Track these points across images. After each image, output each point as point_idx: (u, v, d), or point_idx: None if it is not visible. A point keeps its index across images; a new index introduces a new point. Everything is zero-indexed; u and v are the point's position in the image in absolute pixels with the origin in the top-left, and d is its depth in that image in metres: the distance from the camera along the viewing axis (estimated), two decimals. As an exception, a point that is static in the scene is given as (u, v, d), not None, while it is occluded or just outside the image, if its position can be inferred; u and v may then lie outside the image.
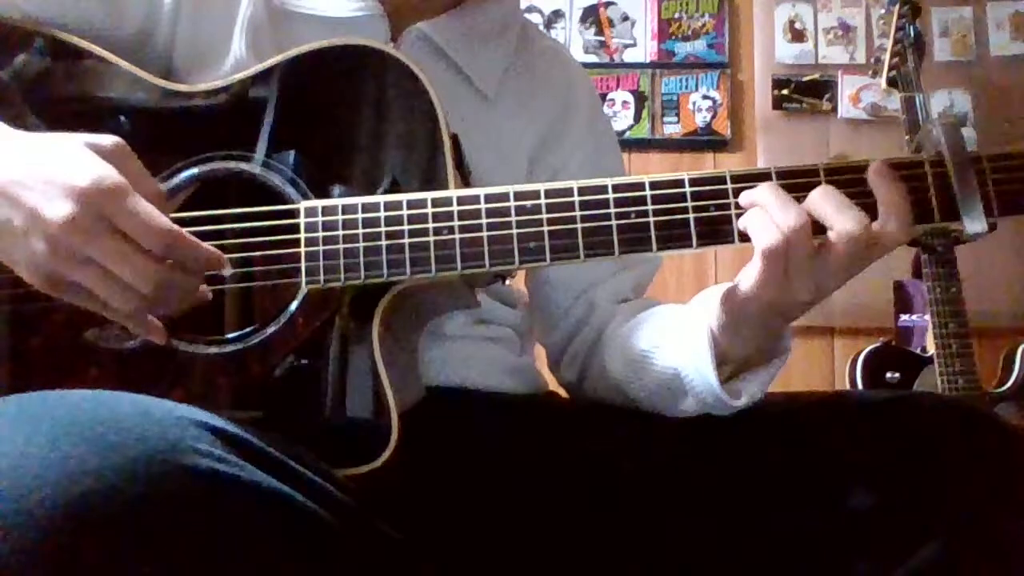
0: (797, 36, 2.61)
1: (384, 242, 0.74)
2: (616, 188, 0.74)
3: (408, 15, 0.92)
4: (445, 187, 0.77)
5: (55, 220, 0.63)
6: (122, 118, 0.80)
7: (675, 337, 0.82)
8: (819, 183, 0.72)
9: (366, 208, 0.74)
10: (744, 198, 0.72)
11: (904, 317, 2.21)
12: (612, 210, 0.73)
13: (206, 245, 0.69)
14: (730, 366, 0.79)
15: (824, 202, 0.70)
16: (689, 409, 0.82)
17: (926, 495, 0.72)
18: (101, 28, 0.84)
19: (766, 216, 0.70)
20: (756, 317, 0.75)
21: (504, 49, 0.99)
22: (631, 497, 0.82)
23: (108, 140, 0.68)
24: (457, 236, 0.74)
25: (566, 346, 1.00)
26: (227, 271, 0.71)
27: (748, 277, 0.72)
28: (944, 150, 0.73)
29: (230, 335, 0.75)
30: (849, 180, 0.73)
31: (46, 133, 0.69)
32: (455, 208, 0.74)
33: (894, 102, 2.21)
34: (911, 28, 2.11)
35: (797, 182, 0.73)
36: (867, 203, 0.72)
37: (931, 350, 2.02)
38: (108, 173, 0.64)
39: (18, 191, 0.64)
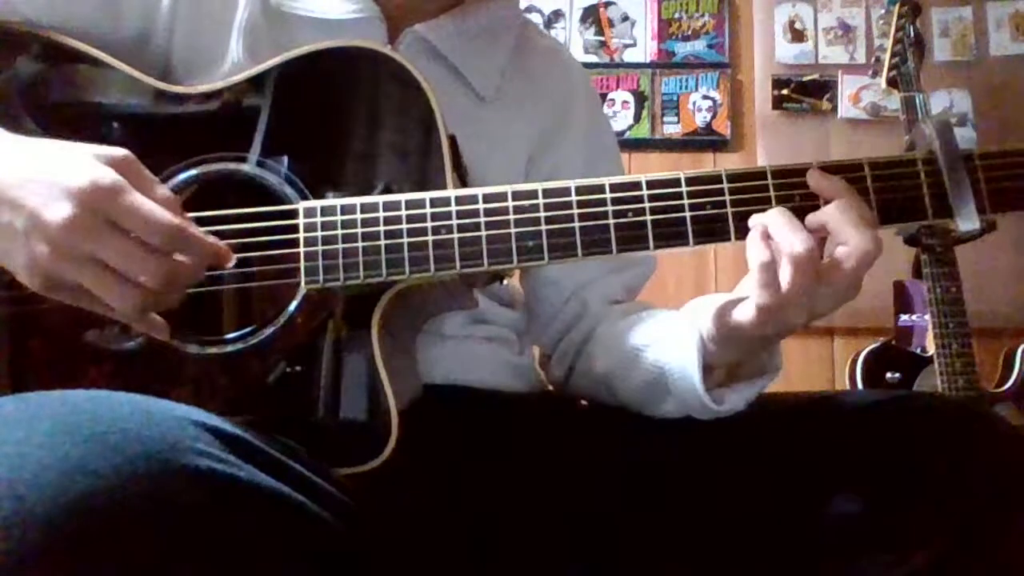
0: (797, 36, 2.61)
1: (383, 242, 0.74)
2: (613, 187, 0.74)
3: (406, 17, 0.92)
4: (443, 188, 0.77)
5: (55, 221, 0.63)
6: (120, 120, 0.80)
7: (665, 337, 0.83)
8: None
9: (365, 208, 0.75)
10: (753, 220, 0.71)
11: (904, 317, 2.20)
12: (609, 208, 0.74)
13: (211, 238, 0.69)
14: (719, 371, 0.80)
15: (843, 217, 0.69)
16: (671, 410, 0.83)
17: (926, 495, 0.72)
18: (98, 31, 0.84)
19: (768, 246, 0.69)
20: (747, 336, 0.75)
21: (502, 50, 0.99)
22: (631, 496, 0.82)
23: (115, 150, 0.68)
24: (455, 236, 0.74)
25: (557, 344, 1.01)
26: (230, 264, 0.71)
27: (745, 308, 0.72)
28: (935, 148, 0.73)
29: (229, 335, 0.75)
30: (844, 180, 0.73)
31: (53, 140, 0.69)
32: (453, 208, 0.74)
33: (894, 102, 2.20)
34: (911, 28, 2.10)
35: (792, 181, 0.73)
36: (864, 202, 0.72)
37: (931, 350, 2.01)
38: (105, 174, 0.64)
39: (19, 194, 0.65)
